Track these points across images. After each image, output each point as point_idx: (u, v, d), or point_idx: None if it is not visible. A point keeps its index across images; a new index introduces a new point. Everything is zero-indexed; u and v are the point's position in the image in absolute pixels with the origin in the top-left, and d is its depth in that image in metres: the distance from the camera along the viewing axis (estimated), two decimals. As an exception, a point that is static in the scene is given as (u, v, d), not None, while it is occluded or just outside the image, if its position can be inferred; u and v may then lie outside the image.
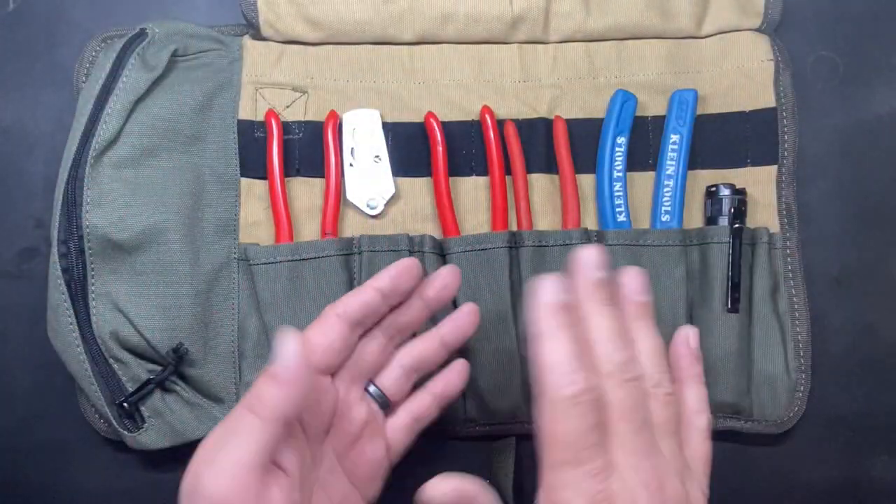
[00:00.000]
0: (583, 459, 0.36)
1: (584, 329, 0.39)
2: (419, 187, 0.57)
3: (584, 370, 0.36)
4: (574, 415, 0.36)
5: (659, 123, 0.58)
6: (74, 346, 0.51)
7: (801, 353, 0.55)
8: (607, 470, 0.36)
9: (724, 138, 0.58)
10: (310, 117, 0.57)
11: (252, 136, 0.57)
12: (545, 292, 0.38)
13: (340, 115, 0.57)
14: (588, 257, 0.39)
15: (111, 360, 0.52)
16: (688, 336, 0.44)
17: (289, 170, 0.57)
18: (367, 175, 0.57)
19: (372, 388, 0.47)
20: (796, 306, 0.56)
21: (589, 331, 0.39)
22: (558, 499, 0.36)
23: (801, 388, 0.55)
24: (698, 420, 0.42)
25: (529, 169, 0.57)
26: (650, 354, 0.40)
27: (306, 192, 0.57)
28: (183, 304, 0.53)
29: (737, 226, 0.55)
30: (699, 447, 0.42)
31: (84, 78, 0.57)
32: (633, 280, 0.42)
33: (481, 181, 0.58)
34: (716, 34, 0.59)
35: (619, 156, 0.57)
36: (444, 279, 0.48)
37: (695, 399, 0.43)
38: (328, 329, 0.44)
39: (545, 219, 0.57)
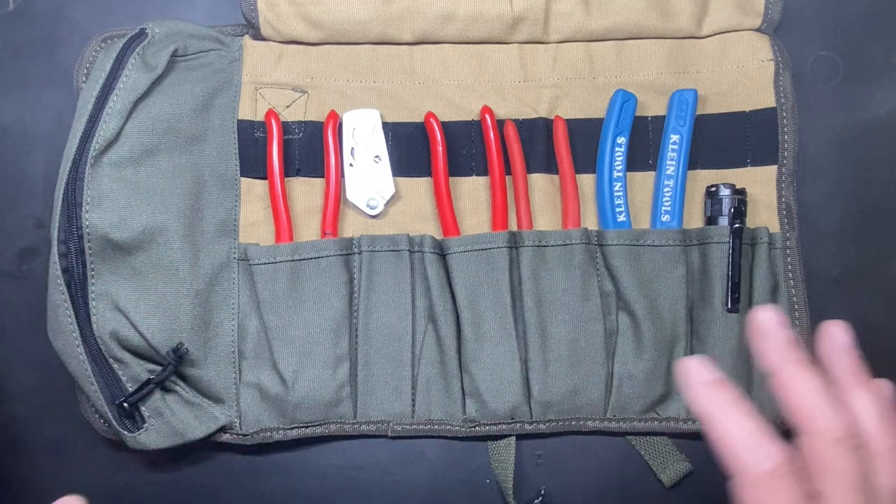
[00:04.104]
0: None
1: (787, 395, 0.36)
2: (419, 187, 0.57)
3: (775, 442, 0.35)
4: (777, 489, 0.34)
5: (659, 123, 0.58)
6: (74, 346, 0.51)
7: (801, 353, 0.55)
8: None
9: (724, 138, 0.58)
10: (310, 117, 0.57)
11: (252, 136, 0.57)
12: (695, 373, 0.37)
13: (340, 115, 0.57)
14: (771, 317, 0.38)
15: (111, 360, 0.52)
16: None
17: (289, 170, 0.57)
18: (367, 175, 0.57)
19: None
20: (796, 306, 0.56)
21: (791, 397, 0.36)
22: None
23: (801, 388, 0.55)
24: None
25: (529, 169, 0.57)
26: (872, 415, 0.36)
27: (306, 192, 0.57)
28: (183, 304, 0.53)
29: (737, 226, 0.55)
30: None
31: (84, 78, 0.57)
32: (839, 334, 0.38)
33: (481, 181, 0.58)
34: (716, 34, 0.59)
35: (619, 156, 0.57)
36: None
37: None
38: None
39: (545, 219, 0.57)
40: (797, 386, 0.36)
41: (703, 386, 0.37)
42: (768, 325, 0.38)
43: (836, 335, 0.39)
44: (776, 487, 0.35)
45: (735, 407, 0.36)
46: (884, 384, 0.38)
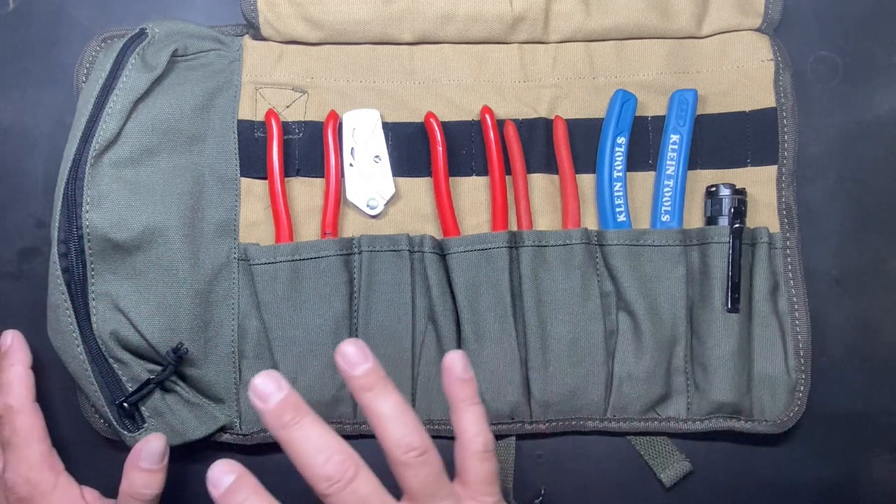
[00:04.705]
0: None
1: (369, 419, 0.42)
2: (419, 187, 0.57)
3: (343, 452, 0.40)
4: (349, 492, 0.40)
5: (659, 123, 0.58)
6: (74, 346, 0.51)
7: (801, 353, 0.55)
8: None
9: (724, 138, 0.58)
10: (310, 117, 0.57)
11: (252, 136, 0.57)
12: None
13: (340, 115, 0.57)
14: (353, 351, 0.42)
15: (111, 360, 0.52)
16: (453, 363, 0.44)
17: (289, 170, 0.57)
18: (367, 175, 0.57)
19: None
20: (796, 306, 0.56)
21: (372, 421, 0.41)
22: None
23: (801, 388, 0.55)
24: (474, 444, 0.43)
25: (529, 169, 0.57)
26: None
27: (306, 192, 0.57)
28: (183, 304, 0.53)
29: (737, 226, 0.55)
30: (479, 470, 0.43)
31: (84, 78, 0.57)
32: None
33: (481, 181, 0.58)
34: (716, 34, 0.59)
35: (619, 156, 0.57)
36: None
37: (470, 423, 0.43)
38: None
39: (545, 219, 0.57)
40: (376, 411, 0.41)
41: (273, 408, 0.40)
42: (350, 359, 0.42)
43: (451, 364, 0.44)
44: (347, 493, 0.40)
45: (310, 421, 0.40)
46: (451, 358, 0.44)
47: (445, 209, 0.56)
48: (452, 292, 0.55)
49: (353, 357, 0.41)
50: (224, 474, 0.40)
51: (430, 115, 0.57)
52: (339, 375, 0.54)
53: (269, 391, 0.40)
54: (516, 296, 0.55)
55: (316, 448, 0.40)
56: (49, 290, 0.52)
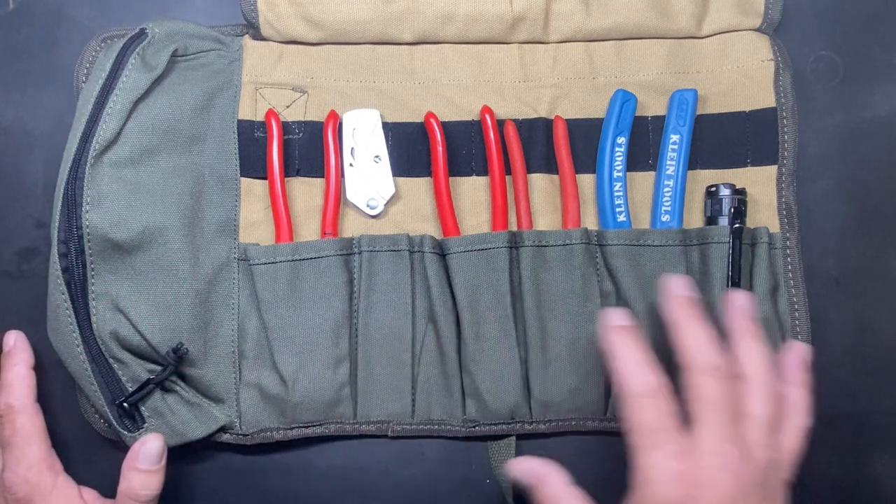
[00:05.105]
0: (659, 443, 0.43)
1: (678, 338, 0.47)
2: (419, 187, 0.57)
3: (653, 372, 0.45)
4: (647, 406, 0.44)
5: (659, 123, 0.58)
6: (74, 346, 0.51)
7: (801, 353, 0.55)
8: (688, 453, 0.43)
9: (724, 138, 0.58)
10: (310, 117, 0.57)
11: (252, 136, 0.57)
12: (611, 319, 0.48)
13: (340, 115, 0.57)
14: (680, 282, 0.49)
15: (111, 360, 0.52)
16: (801, 348, 0.50)
17: (289, 170, 0.57)
18: (367, 175, 0.57)
19: None
20: (796, 306, 0.56)
21: (681, 339, 0.46)
22: (646, 478, 0.43)
23: (802, 389, 0.55)
24: (796, 418, 0.48)
25: (529, 169, 0.57)
26: (755, 360, 0.47)
27: (306, 192, 0.57)
28: (183, 303, 0.53)
29: (737, 226, 0.55)
30: (790, 440, 0.47)
31: (84, 78, 0.57)
32: (741, 299, 0.49)
33: (481, 181, 0.58)
34: (716, 34, 0.59)
35: (619, 156, 0.57)
36: None
37: (797, 400, 0.48)
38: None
39: (545, 219, 0.57)
40: (687, 331, 0.46)
41: (614, 329, 0.47)
42: (677, 289, 0.48)
43: (737, 300, 0.49)
44: (644, 405, 0.44)
45: (630, 345, 0.46)
46: (799, 346, 0.50)
47: (445, 209, 0.56)
48: (452, 292, 0.55)
49: (680, 284, 0.48)
50: (536, 467, 0.48)
51: (430, 115, 0.57)
52: (339, 376, 0.54)
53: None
54: (516, 296, 0.55)
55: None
56: (49, 290, 0.52)
